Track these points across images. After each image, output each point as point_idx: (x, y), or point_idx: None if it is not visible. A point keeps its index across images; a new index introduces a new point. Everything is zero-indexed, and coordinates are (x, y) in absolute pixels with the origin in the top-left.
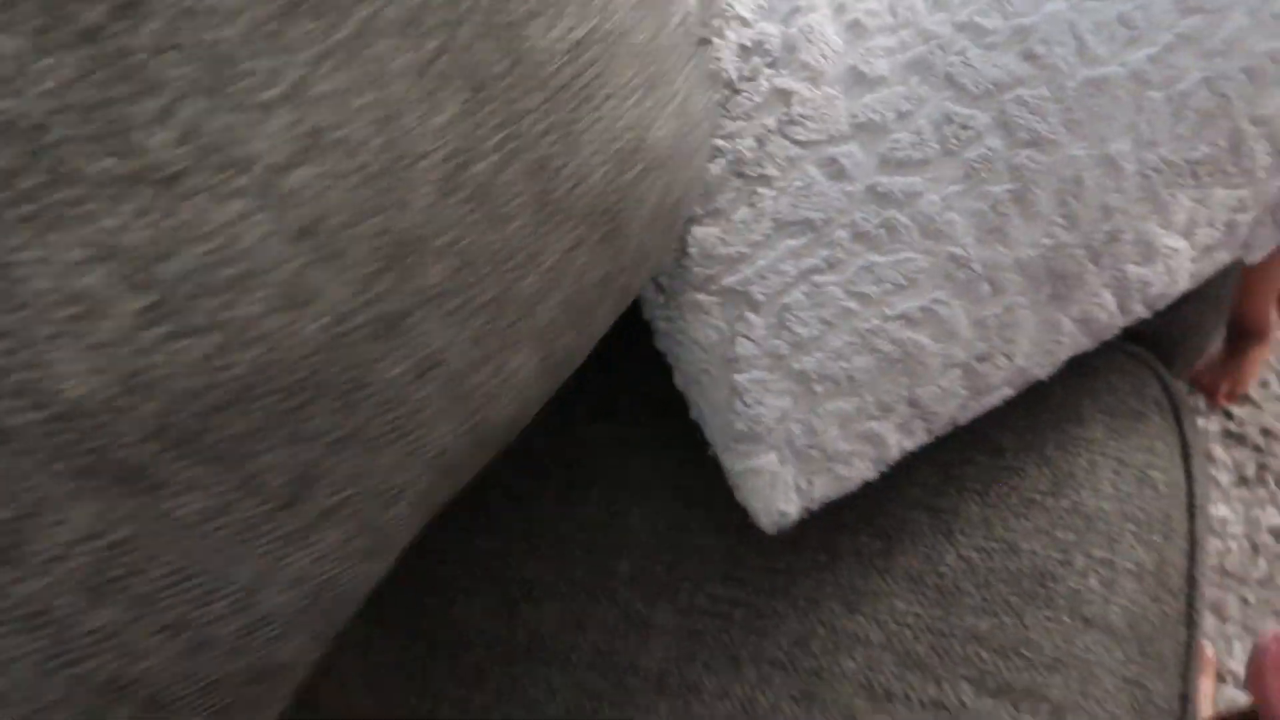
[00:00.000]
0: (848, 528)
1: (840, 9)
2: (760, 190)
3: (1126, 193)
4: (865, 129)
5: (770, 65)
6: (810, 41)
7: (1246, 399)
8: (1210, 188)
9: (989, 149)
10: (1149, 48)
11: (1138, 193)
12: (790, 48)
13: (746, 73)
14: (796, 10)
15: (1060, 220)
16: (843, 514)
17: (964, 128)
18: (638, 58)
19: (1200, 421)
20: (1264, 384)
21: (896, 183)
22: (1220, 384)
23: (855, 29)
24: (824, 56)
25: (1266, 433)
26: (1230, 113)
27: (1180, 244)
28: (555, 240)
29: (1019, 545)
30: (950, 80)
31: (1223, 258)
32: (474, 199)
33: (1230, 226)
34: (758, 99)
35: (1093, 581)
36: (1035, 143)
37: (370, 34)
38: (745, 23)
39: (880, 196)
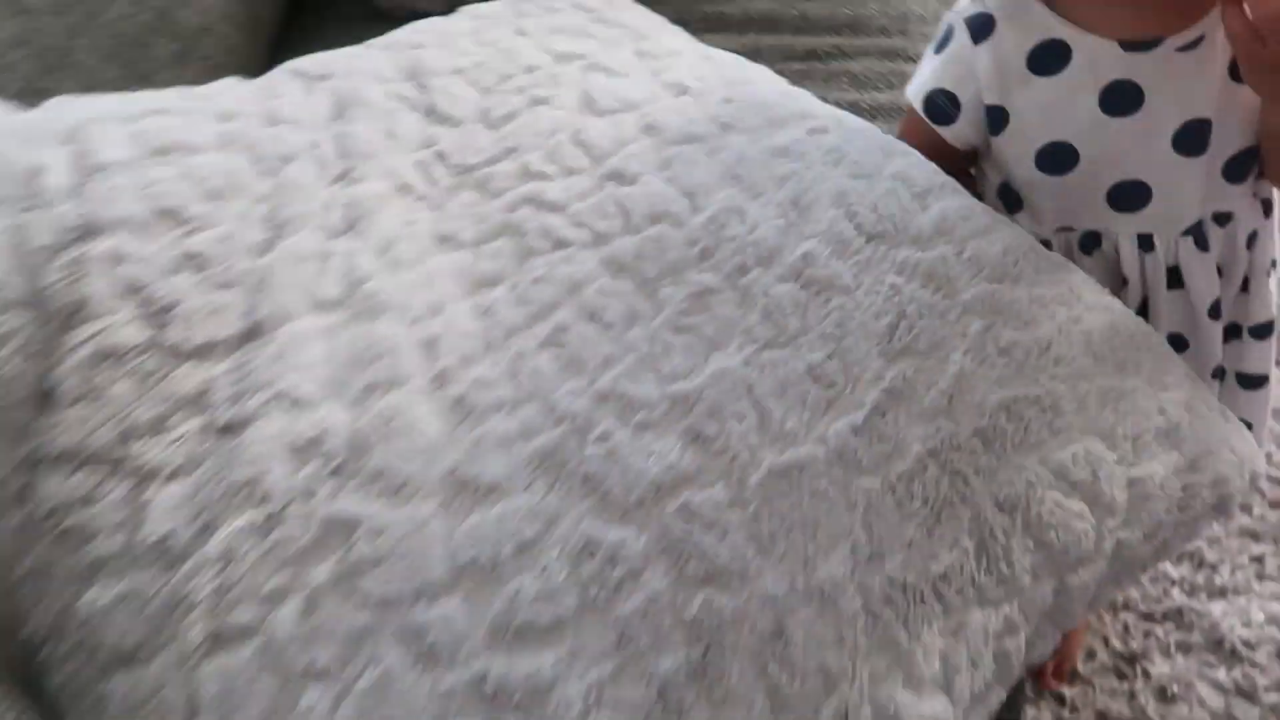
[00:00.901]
0: None
1: (440, 380)
2: (307, 696)
3: (852, 642)
4: (468, 573)
5: (333, 473)
6: (388, 434)
7: (1076, 675)
8: (963, 611)
9: (650, 595)
10: (852, 413)
11: (866, 639)
12: (358, 447)
13: (299, 486)
14: (374, 385)
15: (763, 702)
16: None
17: (612, 560)
18: None
19: (1031, 713)
20: (1090, 655)
21: (516, 668)
22: (1044, 664)
23: (459, 409)
24: (406, 459)
25: (1103, 716)
26: (969, 497)
27: (939, 705)
28: None
29: None
30: (590, 483)
31: (999, 696)
32: None
33: (1002, 658)
34: (307, 536)
35: None
36: (714, 577)
37: None
38: (298, 404)
39: (490, 698)
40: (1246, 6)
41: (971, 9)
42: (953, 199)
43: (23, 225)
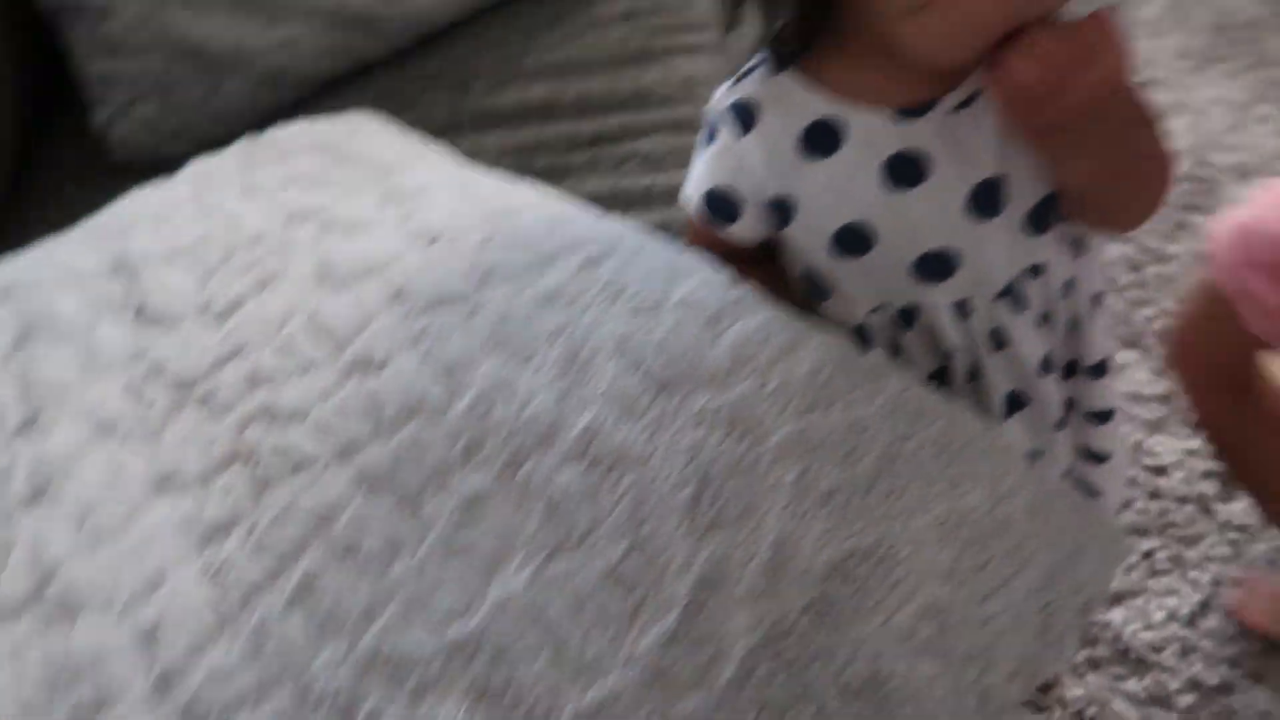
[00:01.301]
0: None
1: (163, 683)
2: None
3: None
4: None
5: None
6: None
7: None
8: None
9: None
10: (663, 619)
11: None
12: None
13: None
14: (77, 714)
15: None
16: None
17: None
18: None
19: None
20: None
21: None
22: None
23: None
24: None
25: None
26: (811, 690)
27: None
28: None
29: None
30: None
31: None
32: None
33: None
34: None
35: None
36: None
37: None
38: None
39: None
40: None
41: (730, 97)
42: (749, 319)
43: None
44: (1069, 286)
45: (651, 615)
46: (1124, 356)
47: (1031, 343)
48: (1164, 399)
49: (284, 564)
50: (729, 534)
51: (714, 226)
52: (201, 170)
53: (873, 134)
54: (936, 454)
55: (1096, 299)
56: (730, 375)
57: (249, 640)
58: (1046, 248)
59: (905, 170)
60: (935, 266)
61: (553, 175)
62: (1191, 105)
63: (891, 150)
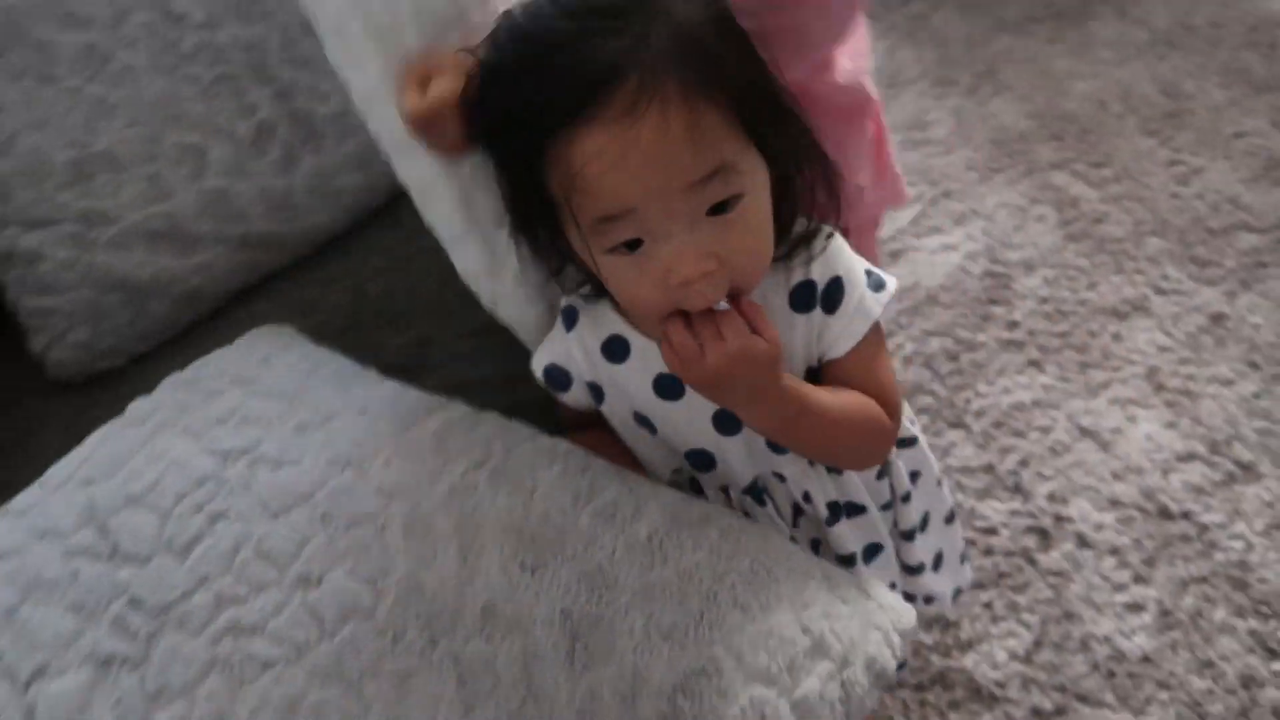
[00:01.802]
0: None
1: None
2: None
3: None
4: None
5: None
6: None
7: None
8: None
9: None
10: None
11: None
12: None
13: None
14: None
15: None
16: None
17: None
18: None
19: None
20: None
21: None
22: None
23: None
24: None
25: None
26: None
27: None
28: None
29: None
30: None
31: None
32: None
33: None
34: None
35: None
36: None
37: None
38: None
39: None
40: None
41: (565, 300)
42: (608, 491)
43: None
44: (807, 496)
45: None
46: (950, 435)
47: (782, 525)
48: (987, 469)
49: None
50: (597, 672)
51: (554, 392)
52: (143, 413)
53: (647, 355)
54: (747, 583)
55: (839, 507)
56: (591, 542)
57: None
58: (789, 465)
59: (669, 387)
60: (700, 460)
61: (448, 364)
62: (982, 211)
63: (658, 370)
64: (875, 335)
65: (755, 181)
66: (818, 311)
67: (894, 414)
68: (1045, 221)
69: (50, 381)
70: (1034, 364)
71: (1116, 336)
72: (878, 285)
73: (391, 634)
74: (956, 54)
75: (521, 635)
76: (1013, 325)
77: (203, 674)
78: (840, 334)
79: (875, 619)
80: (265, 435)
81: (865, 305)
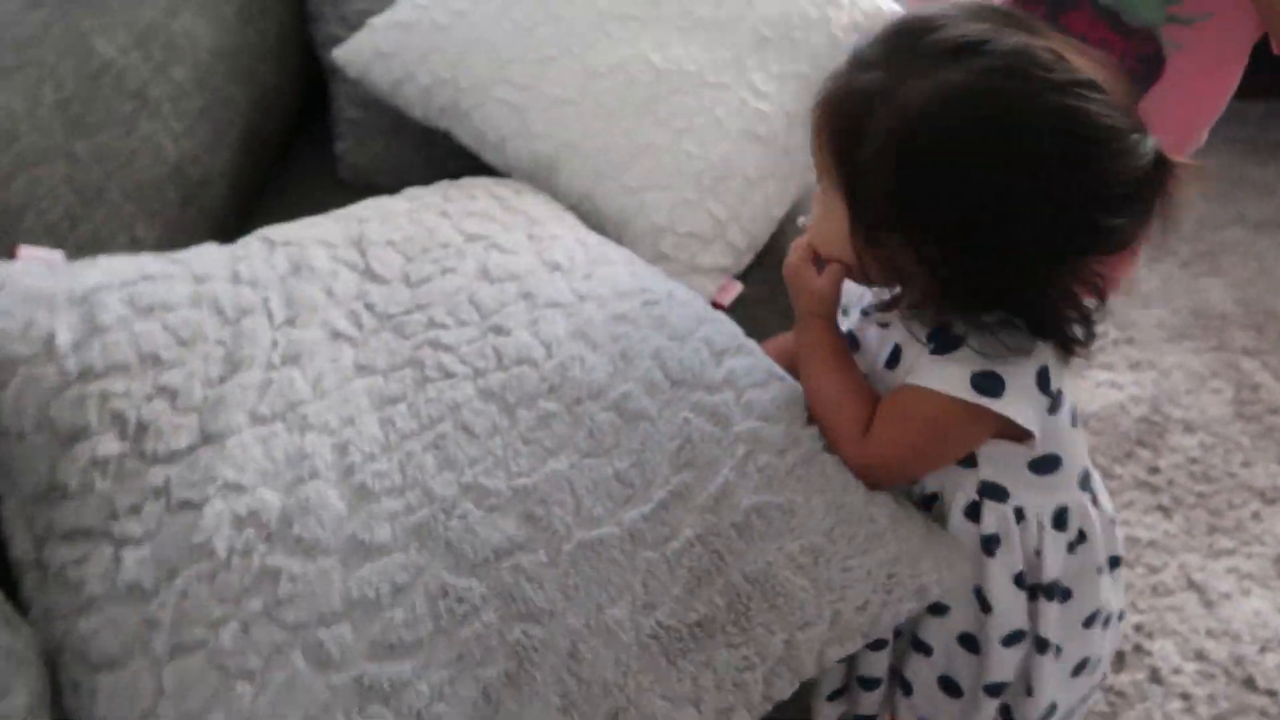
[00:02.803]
0: None
1: (348, 472)
2: (239, 688)
3: (625, 664)
4: (359, 606)
5: (265, 539)
6: (307, 511)
7: None
8: (712, 650)
9: (484, 625)
10: (643, 505)
11: (637, 663)
12: (285, 520)
13: (239, 546)
14: (299, 478)
15: (558, 701)
16: None
17: (460, 600)
18: None
19: None
20: None
21: (385, 672)
22: None
23: (360, 493)
24: (322, 526)
25: None
26: (723, 570)
27: (689, 714)
28: None
29: None
30: (450, 547)
31: (744, 718)
32: None
33: (742, 687)
34: (245, 581)
35: None
36: (531, 615)
37: None
38: (240, 489)
39: (366, 690)
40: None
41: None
42: (744, 359)
43: (38, 376)
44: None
45: (636, 503)
46: None
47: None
48: None
49: (428, 426)
50: (693, 474)
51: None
52: (414, 194)
53: None
54: (838, 463)
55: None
56: (719, 387)
57: (400, 461)
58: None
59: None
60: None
61: None
62: (1160, 366)
63: None
64: (926, 402)
65: (829, 209)
66: (930, 347)
67: (859, 457)
68: (1220, 395)
69: (338, 180)
70: (1163, 509)
71: (1256, 516)
72: (985, 389)
73: (549, 384)
74: (1185, 230)
75: (646, 424)
76: (1154, 470)
77: (399, 365)
78: (917, 370)
79: (934, 550)
80: (501, 232)
81: (951, 377)
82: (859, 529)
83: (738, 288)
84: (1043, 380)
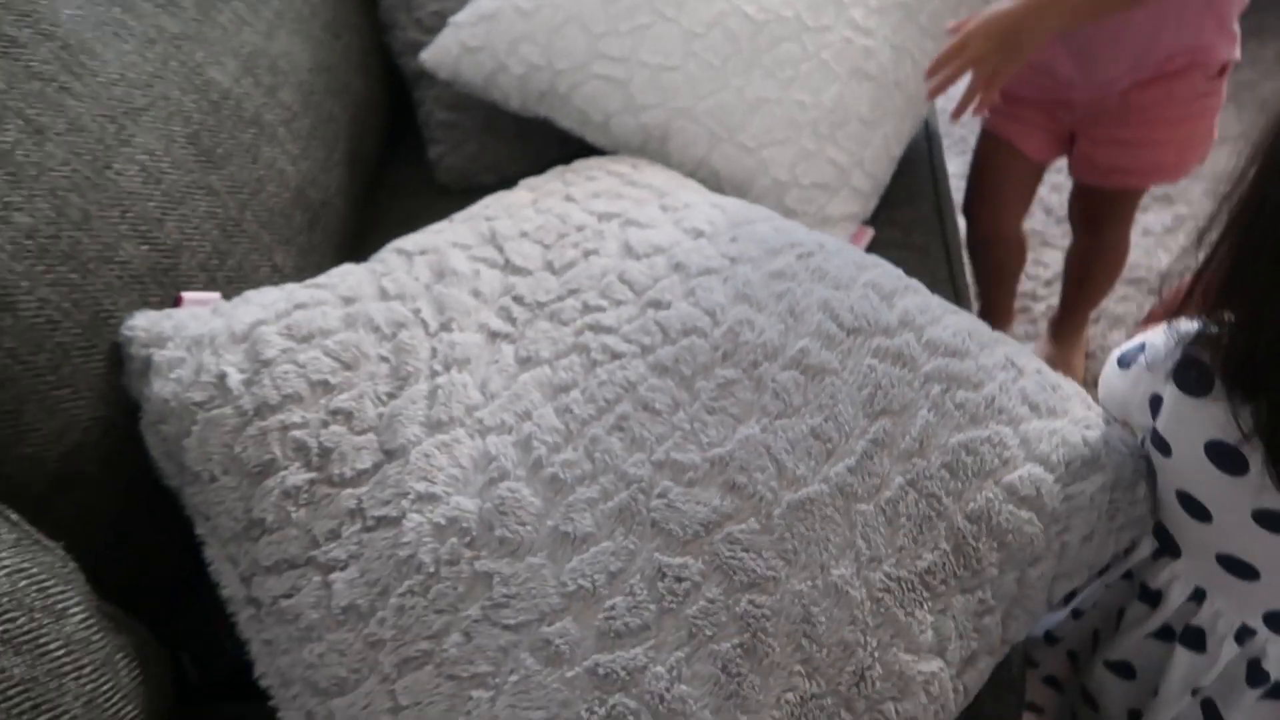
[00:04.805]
0: None
1: (536, 466)
2: (475, 694)
3: (862, 621)
4: (577, 598)
5: (469, 545)
6: (505, 511)
7: None
8: (947, 596)
9: (709, 600)
10: (847, 459)
11: (874, 619)
12: (485, 523)
13: (445, 556)
14: (490, 480)
15: (800, 668)
16: None
17: (679, 580)
18: None
19: None
20: None
21: (619, 659)
22: None
23: (553, 485)
24: (522, 524)
25: None
26: (943, 513)
27: (935, 665)
28: None
29: None
30: (657, 527)
31: (988, 664)
32: None
33: (983, 631)
34: (458, 589)
35: None
36: (755, 584)
37: None
38: (435, 499)
39: (603, 680)
40: None
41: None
42: (914, 298)
43: (217, 418)
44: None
45: (839, 457)
46: None
47: None
48: None
49: (606, 409)
50: (893, 419)
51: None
52: (532, 184)
53: None
54: (1037, 392)
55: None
56: (898, 330)
57: (586, 448)
58: None
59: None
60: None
61: None
62: None
63: None
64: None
65: None
66: None
67: None
68: None
69: (437, 185)
70: None
71: None
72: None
73: (722, 351)
74: None
75: (831, 376)
76: None
77: (564, 353)
78: None
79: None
80: (633, 208)
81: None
82: (1074, 454)
83: (870, 233)
84: None
